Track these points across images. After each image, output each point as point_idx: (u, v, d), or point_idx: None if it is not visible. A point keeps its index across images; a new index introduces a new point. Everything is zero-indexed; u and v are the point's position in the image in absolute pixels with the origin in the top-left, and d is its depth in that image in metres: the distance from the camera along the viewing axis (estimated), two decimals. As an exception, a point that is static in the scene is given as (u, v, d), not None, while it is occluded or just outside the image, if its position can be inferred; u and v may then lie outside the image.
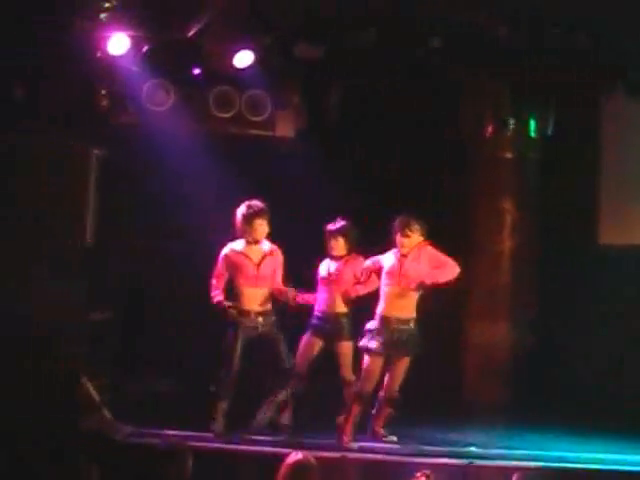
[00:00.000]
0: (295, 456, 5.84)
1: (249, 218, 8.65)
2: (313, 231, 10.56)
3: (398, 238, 8.60)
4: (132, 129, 10.15)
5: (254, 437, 8.35)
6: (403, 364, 8.62)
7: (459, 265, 8.60)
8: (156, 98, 9.96)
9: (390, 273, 8.59)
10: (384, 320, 8.49)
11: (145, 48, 9.54)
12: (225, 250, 8.76)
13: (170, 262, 10.85)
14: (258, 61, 9.72)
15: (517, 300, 10.73)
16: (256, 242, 8.73)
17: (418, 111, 10.79)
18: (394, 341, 8.46)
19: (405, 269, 8.54)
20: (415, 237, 8.60)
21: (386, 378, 8.66)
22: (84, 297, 9.68)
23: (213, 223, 10.09)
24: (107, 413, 8.79)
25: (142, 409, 9.17)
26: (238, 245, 8.77)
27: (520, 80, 10.36)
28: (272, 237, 8.90)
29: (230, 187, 10.04)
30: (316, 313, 8.98)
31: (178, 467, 6.03)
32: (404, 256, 8.59)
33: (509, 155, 10.85)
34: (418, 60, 10.02)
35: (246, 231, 8.70)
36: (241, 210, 8.71)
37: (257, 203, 8.69)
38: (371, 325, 8.57)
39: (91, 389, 8.95)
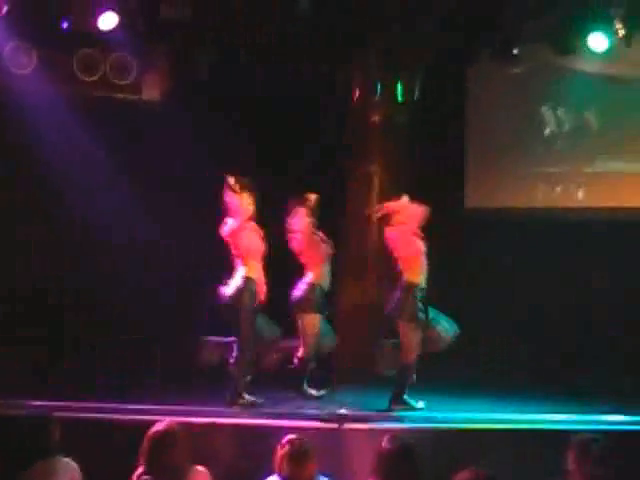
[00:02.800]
0: (157, 425, 5.79)
1: None
2: (182, 195, 10.56)
3: None
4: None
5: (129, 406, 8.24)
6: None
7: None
8: (18, 61, 9.71)
9: None
10: None
11: (5, 9, 9.27)
12: None
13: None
14: (123, 23, 9.54)
15: (386, 262, 10.81)
16: None
17: (290, 76, 10.75)
18: None
19: None
20: None
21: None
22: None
23: (82, 187, 10.00)
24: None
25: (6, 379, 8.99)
26: None
27: (387, 45, 10.41)
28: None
29: (97, 151, 9.91)
30: None
31: (44, 437, 5.95)
32: None
33: (377, 119, 10.92)
34: (286, 24, 9.98)
35: None
36: None
37: None
38: None
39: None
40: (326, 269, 9.22)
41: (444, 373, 9.22)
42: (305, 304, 9.08)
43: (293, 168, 10.98)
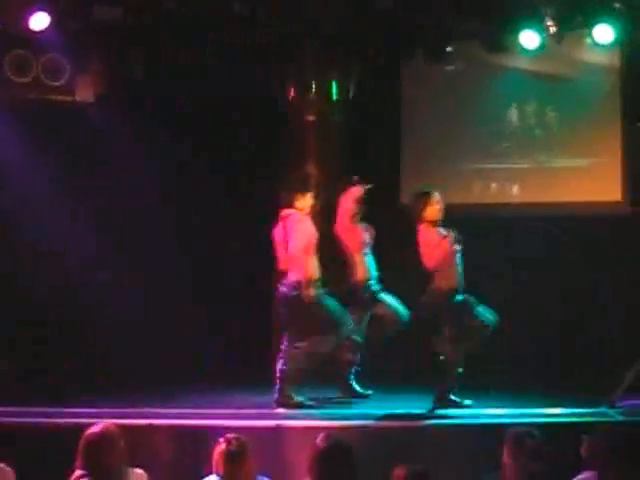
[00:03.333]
0: (94, 427, 5.76)
1: None
2: (118, 196, 10.51)
3: None
4: None
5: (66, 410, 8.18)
6: None
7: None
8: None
9: None
10: None
11: None
12: None
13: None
14: (55, 23, 9.45)
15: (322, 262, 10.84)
16: None
17: (223, 75, 10.72)
18: None
19: None
20: None
21: None
22: None
23: (18, 190, 9.91)
24: None
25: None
26: None
27: (321, 45, 10.43)
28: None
29: (32, 154, 9.83)
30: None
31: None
32: None
33: (311, 118, 10.95)
34: (221, 24, 9.96)
35: None
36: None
37: None
38: None
39: None
40: (363, 258, 9.19)
41: (380, 368, 9.29)
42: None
43: (229, 167, 10.98)
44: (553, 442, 5.89)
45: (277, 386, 8.61)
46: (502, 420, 7.90)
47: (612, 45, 10.22)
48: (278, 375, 8.62)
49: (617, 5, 9.57)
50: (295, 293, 8.55)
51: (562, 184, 11.11)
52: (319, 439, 5.54)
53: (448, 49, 10.32)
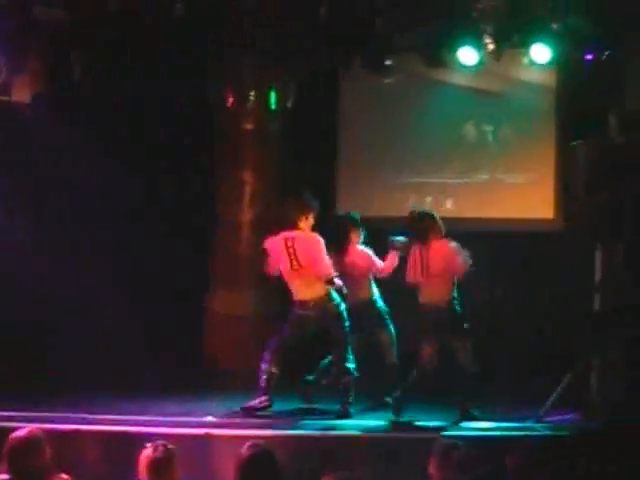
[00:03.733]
0: (19, 431, 5.70)
1: None
2: (50, 197, 10.41)
3: None
4: None
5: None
6: None
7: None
8: None
9: None
10: None
11: None
12: None
13: None
14: (-8, 22, 9.36)
15: (257, 270, 10.84)
16: None
17: (164, 80, 10.68)
18: None
19: None
20: None
21: None
22: None
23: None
24: None
25: None
26: None
27: (262, 52, 10.44)
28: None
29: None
30: None
31: None
32: None
33: (249, 127, 10.95)
34: (162, 28, 9.93)
35: None
36: None
37: None
38: None
39: None
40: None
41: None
42: None
43: (164, 174, 10.95)
44: (480, 455, 5.93)
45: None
46: (432, 433, 7.95)
47: (549, 64, 10.36)
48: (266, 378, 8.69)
49: (554, 26, 9.70)
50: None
51: (497, 200, 11.21)
52: (244, 447, 5.53)
53: (387, 62, 10.37)
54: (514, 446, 5.97)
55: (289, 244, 8.62)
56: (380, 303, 9.31)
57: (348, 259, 9.14)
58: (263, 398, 8.68)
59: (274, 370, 8.69)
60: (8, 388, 8.91)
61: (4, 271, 10.00)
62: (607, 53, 9.78)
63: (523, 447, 5.99)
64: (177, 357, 10.24)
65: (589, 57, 9.99)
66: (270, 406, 8.69)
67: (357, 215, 9.36)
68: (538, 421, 8.43)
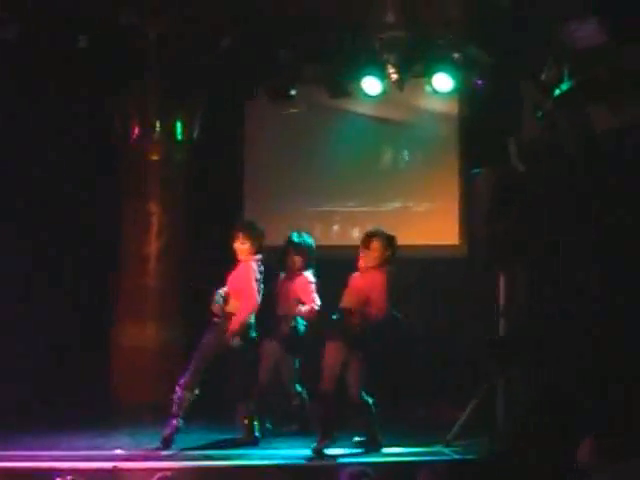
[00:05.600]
0: None
1: None
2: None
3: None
4: None
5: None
6: None
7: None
8: None
9: None
10: None
11: None
12: None
13: None
14: None
15: (164, 301, 10.81)
16: None
17: (69, 110, 10.62)
18: None
19: None
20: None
21: None
22: None
23: None
24: None
25: None
26: None
27: (167, 83, 10.45)
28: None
29: None
30: None
31: None
32: None
33: (155, 157, 10.91)
34: (67, 59, 9.87)
35: None
36: None
37: None
38: None
39: None
40: None
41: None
42: None
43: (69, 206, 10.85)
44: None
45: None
46: (339, 460, 7.98)
47: (451, 93, 10.56)
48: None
49: (455, 55, 9.89)
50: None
51: (403, 227, 11.28)
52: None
53: (292, 92, 10.45)
54: (423, 471, 6.01)
55: None
56: None
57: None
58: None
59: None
60: None
61: None
62: (504, 82, 9.97)
63: (432, 471, 6.04)
64: (84, 392, 10.13)
65: (479, 82, 10.17)
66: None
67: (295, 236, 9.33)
68: (447, 445, 8.52)
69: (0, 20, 9.41)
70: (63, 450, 8.29)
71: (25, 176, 10.62)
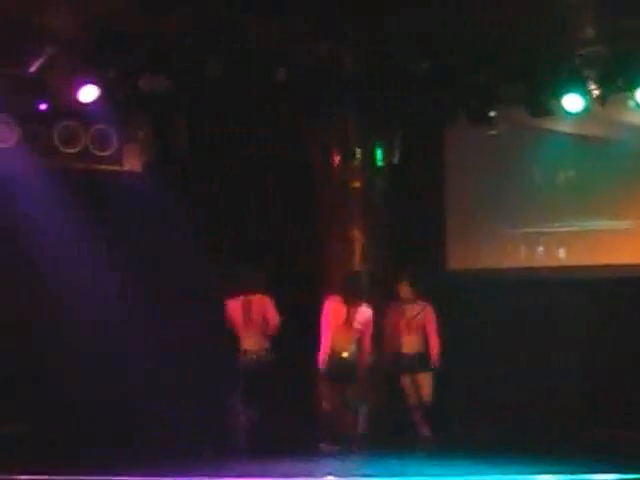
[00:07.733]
0: None
1: None
2: (164, 264, 10.54)
3: None
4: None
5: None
6: None
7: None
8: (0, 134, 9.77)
9: None
10: None
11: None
12: None
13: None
14: (103, 95, 9.62)
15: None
16: None
17: (266, 142, 10.83)
18: None
19: None
20: None
21: None
22: None
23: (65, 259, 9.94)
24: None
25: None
26: None
27: (366, 110, 10.53)
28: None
29: (81, 223, 9.93)
30: None
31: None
32: None
33: (357, 184, 11.00)
34: (264, 92, 10.08)
35: None
36: None
37: None
38: None
39: None
40: None
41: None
42: None
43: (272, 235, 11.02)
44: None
45: None
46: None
47: (655, 107, 10.23)
48: None
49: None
50: None
51: (607, 246, 11.04)
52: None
53: (491, 113, 10.37)
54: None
55: None
56: None
57: None
58: None
59: None
60: None
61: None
62: None
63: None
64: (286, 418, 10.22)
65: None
66: None
67: None
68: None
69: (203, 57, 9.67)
70: (277, 477, 8.41)
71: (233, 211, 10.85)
